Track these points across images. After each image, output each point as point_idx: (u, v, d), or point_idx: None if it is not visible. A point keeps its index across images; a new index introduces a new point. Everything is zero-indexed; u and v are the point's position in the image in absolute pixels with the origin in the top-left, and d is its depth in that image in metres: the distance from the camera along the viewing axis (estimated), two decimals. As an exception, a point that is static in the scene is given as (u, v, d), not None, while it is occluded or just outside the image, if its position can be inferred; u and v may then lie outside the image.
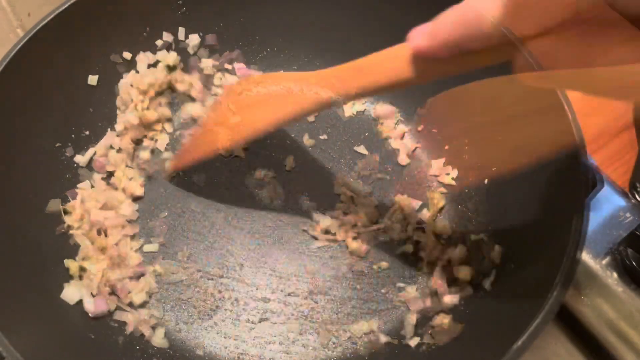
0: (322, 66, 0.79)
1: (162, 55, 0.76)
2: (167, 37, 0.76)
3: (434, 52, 0.43)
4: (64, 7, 0.66)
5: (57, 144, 0.69)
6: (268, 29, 0.79)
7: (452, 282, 0.64)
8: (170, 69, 0.77)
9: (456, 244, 0.65)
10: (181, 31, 0.77)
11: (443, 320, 0.61)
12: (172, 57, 0.76)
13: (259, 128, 0.64)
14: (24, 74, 0.64)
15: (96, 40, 0.71)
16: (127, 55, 0.75)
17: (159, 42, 0.77)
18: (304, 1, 0.76)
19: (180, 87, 0.76)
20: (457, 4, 0.42)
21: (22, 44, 0.63)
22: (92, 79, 0.72)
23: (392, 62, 0.50)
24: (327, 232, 0.68)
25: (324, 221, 0.68)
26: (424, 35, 0.43)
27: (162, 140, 0.74)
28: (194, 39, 0.78)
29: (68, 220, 0.66)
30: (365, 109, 0.79)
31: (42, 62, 0.66)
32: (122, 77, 0.75)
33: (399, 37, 0.73)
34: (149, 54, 0.76)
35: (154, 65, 0.76)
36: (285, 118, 0.62)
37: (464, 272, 0.63)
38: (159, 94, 0.76)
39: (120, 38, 0.73)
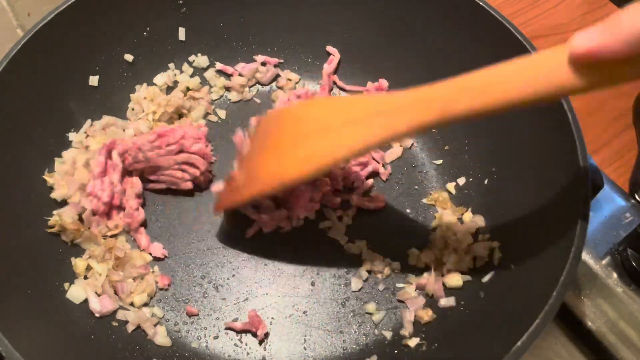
0: (322, 66, 0.80)
1: (183, 78, 0.78)
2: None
3: (610, 50, 0.37)
4: (64, 7, 0.66)
5: (57, 144, 0.69)
6: (268, 30, 0.79)
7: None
8: (188, 90, 0.78)
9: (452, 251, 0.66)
10: (181, 31, 0.77)
11: (425, 314, 0.62)
12: (193, 82, 0.78)
13: (312, 167, 0.51)
14: (24, 74, 0.64)
15: (96, 40, 0.71)
16: (128, 57, 0.75)
17: (185, 67, 0.79)
18: (304, 1, 0.76)
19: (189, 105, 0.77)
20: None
21: (22, 44, 0.63)
22: (93, 80, 0.72)
23: (529, 73, 0.41)
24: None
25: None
26: (599, 33, 0.37)
27: None
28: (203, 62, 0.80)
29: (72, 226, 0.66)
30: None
31: (42, 62, 0.66)
32: (123, 78, 0.75)
33: (401, 37, 0.74)
34: (169, 72, 0.78)
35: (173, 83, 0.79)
36: (354, 151, 0.50)
37: (455, 279, 0.63)
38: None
39: (121, 38, 0.73)
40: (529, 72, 0.42)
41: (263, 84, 0.81)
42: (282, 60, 0.81)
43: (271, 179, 0.55)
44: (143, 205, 0.69)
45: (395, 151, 0.75)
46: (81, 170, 0.66)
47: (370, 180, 0.72)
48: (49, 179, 0.66)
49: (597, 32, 0.37)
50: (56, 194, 0.65)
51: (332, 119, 0.52)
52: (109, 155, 0.67)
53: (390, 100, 0.49)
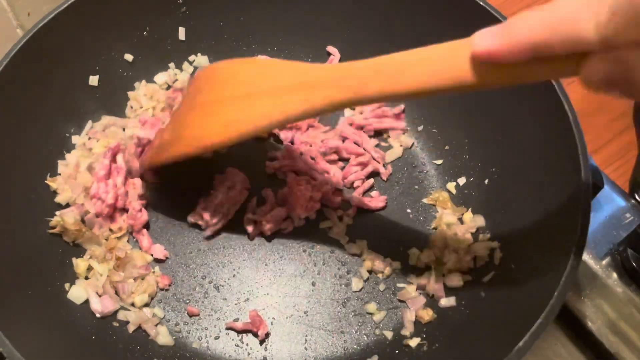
0: (323, 66, 0.80)
1: (183, 76, 0.78)
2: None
3: (506, 54, 0.38)
4: (63, 7, 0.66)
5: (57, 145, 0.69)
6: (268, 29, 0.79)
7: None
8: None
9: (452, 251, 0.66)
10: (181, 31, 0.77)
11: (426, 314, 0.62)
12: None
13: (233, 134, 0.54)
14: (23, 74, 0.63)
15: (96, 40, 0.71)
16: (128, 57, 0.75)
17: (185, 66, 0.79)
18: (304, 1, 0.76)
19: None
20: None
21: (22, 44, 0.63)
22: (93, 80, 0.72)
23: (435, 64, 0.43)
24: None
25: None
26: (496, 36, 0.38)
27: None
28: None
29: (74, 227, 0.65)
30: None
31: (41, 63, 0.66)
32: (123, 78, 0.75)
33: (402, 36, 0.74)
34: (170, 72, 0.78)
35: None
36: (273, 121, 0.52)
37: (456, 279, 0.63)
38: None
39: (120, 38, 0.73)
40: (435, 63, 0.43)
41: None
42: (281, 60, 0.81)
43: (193, 142, 0.58)
44: (146, 206, 0.69)
45: (396, 151, 0.75)
46: (84, 173, 0.66)
47: (371, 180, 0.73)
48: (52, 183, 0.65)
49: (493, 36, 0.38)
50: (60, 199, 0.65)
51: (258, 84, 0.54)
52: (113, 159, 0.67)
53: (312, 72, 0.51)
